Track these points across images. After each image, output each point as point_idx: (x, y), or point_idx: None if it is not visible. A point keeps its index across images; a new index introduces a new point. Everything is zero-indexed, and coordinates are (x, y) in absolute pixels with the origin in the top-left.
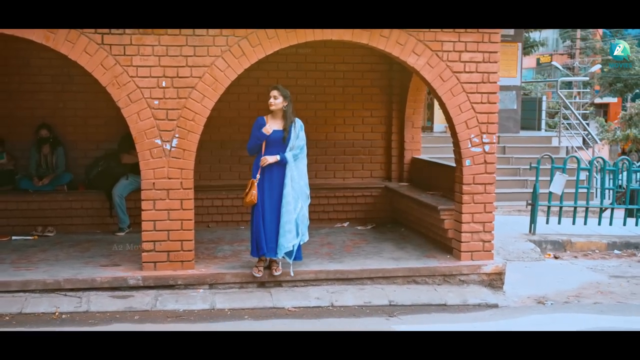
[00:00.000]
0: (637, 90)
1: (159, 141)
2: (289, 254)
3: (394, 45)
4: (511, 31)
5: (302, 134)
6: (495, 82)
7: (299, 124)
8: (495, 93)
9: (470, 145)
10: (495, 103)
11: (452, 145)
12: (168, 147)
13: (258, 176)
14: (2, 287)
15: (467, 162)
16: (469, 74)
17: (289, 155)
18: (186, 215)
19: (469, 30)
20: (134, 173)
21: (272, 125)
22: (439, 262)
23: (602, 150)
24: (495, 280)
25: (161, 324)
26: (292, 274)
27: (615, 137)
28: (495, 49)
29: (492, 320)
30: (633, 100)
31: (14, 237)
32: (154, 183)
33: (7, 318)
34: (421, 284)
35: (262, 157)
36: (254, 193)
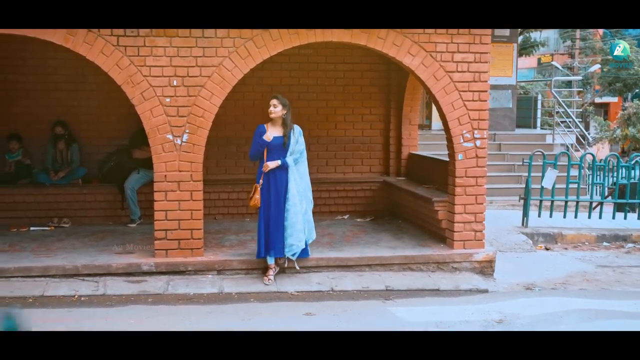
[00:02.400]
0: (637, 90)
1: (170, 136)
2: (294, 254)
3: (390, 47)
4: (507, 32)
5: (302, 139)
6: (486, 81)
7: (297, 130)
8: (485, 91)
9: (462, 141)
10: (485, 101)
11: None
12: (179, 141)
13: (261, 181)
14: (24, 272)
15: (459, 156)
16: (461, 74)
17: (289, 159)
18: (196, 206)
19: (461, 32)
20: (145, 167)
21: (272, 133)
22: (433, 251)
23: (603, 149)
24: (486, 268)
25: (173, 306)
26: (297, 268)
27: (614, 136)
28: (485, 50)
29: (482, 303)
30: (633, 99)
31: (32, 228)
32: (165, 175)
33: (31, 300)
34: (416, 270)
35: (264, 164)
36: (257, 197)
